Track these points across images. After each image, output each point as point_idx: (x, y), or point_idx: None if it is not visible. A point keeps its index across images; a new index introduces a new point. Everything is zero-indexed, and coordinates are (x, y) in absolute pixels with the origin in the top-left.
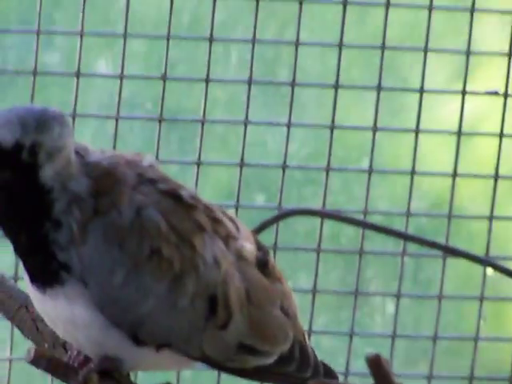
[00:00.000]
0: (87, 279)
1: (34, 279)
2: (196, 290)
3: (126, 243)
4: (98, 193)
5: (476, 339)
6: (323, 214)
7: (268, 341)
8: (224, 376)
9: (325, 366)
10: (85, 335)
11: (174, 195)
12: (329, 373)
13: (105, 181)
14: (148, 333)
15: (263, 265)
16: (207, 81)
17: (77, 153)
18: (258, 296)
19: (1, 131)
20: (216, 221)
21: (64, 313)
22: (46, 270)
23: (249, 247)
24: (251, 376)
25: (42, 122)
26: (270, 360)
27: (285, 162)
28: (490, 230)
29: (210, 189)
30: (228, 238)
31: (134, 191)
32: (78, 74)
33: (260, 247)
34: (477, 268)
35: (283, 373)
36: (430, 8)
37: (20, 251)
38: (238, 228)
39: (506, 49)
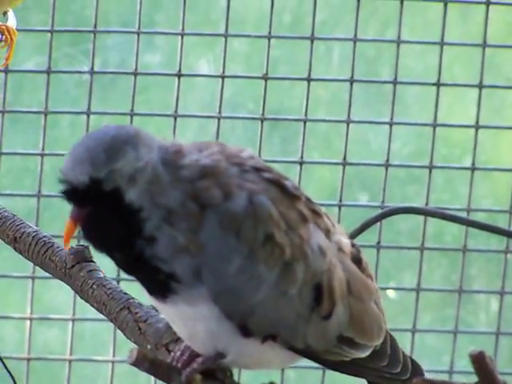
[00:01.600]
0: (202, 269)
1: (150, 291)
2: (304, 278)
3: (242, 230)
4: (199, 192)
5: None
6: (426, 213)
7: (366, 334)
8: (328, 375)
9: (412, 361)
10: (204, 329)
11: (278, 184)
12: (416, 368)
13: (206, 179)
14: (257, 323)
15: (357, 261)
16: (309, 80)
17: (166, 163)
18: (357, 288)
19: (72, 173)
20: (316, 214)
21: (186, 314)
22: (155, 282)
23: (345, 241)
24: (347, 369)
25: (113, 152)
26: (366, 353)
27: (387, 160)
28: None
29: (312, 188)
30: (327, 232)
31: (241, 179)
32: (179, 75)
33: (353, 245)
34: None
35: (376, 368)
36: None
37: (123, 269)
38: (333, 224)
39: None
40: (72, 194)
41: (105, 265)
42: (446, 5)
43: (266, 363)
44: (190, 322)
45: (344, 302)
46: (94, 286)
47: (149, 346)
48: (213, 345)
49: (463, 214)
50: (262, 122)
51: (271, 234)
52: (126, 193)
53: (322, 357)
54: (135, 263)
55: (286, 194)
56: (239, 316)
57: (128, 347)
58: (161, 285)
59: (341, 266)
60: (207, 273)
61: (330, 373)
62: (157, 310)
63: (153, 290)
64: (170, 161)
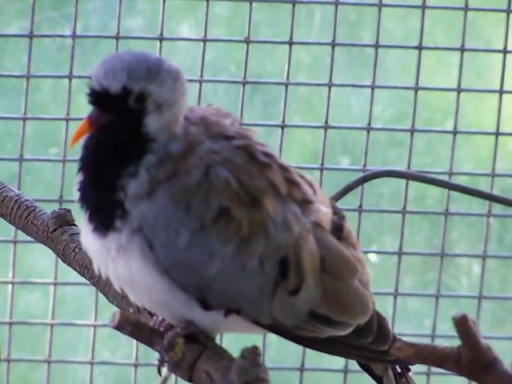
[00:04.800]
0: (151, 240)
1: (92, 219)
2: (265, 253)
3: (193, 204)
4: (182, 158)
5: None
6: (408, 176)
7: (345, 312)
8: None
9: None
10: (148, 298)
11: (248, 152)
12: None
13: (189, 150)
14: (216, 297)
15: (338, 229)
16: (291, 43)
17: (185, 118)
18: (335, 265)
19: (106, 78)
20: (292, 183)
21: (122, 268)
22: (106, 211)
23: (325, 210)
24: (324, 346)
25: (154, 72)
26: (346, 331)
27: (369, 124)
28: None
29: (294, 152)
30: (304, 203)
31: (207, 153)
32: (161, 38)
33: (336, 212)
34: None
35: (359, 345)
36: None
37: (89, 188)
38: (315, 191)
39: None
40: (99, 96)
41: None
42: None
43: (237, 332)
44: (131, 288)
45: (315, 277)
46: (77, 250)
47: (131, 310)
48: (171, 314)
49: (445, 178)
50: (243, 85)
51: (227, 207)
52: (148, 118)
53: (293, 332)
54: (107, 186)
55: (255, 161)
56: (195, 289)
57: (110, 312)
58: (110, 216)
59: (316, 243)
60: (157, 244)
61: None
62: None
63: (97, 218)
64: (189, 117)
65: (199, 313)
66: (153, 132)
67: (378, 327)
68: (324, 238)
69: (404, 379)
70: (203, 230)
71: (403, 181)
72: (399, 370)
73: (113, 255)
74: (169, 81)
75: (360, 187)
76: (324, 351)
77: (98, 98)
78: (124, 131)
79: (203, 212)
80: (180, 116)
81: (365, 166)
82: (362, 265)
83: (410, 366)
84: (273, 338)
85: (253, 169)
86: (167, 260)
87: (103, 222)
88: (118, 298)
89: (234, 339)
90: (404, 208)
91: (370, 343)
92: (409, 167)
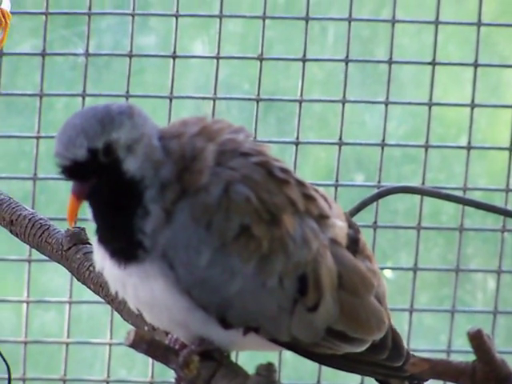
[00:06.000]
0: (172, 260)
1: (113, 256)
2: (285, 270)
3: (214, 221)
4: (181, 174)
5: None
6: (423, 192)
7: (361, 328)
8: None
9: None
10: (167, 318)
11: (266, 168)
12: None
13: (186, 162)
14: (236, 315)
15: (354, 242)
16: (304, 60)
17: (161, 138)
18: (352, 281)
19: (68, 149)
20: (309, 198)
21: (143, 291)
22: (127, 249)
23: (340, 224)
24: (340, 364)
25: (107, 122)
26: (362, 348)
27: (383, 140)
28: None
29: (308, 168)
30: (321, 218)
31: (220, 167)
32: (174, 56)
33: (351, 225)
34: None
35: (373, 362)
36: None
37: (105, 237)
38: (330, 206)
39: None
40: (71, 169)
41: None
42: None
43: (253, 349)
44: (152, 308)
45: (333, 294)
46: (91, 268)
47: (146, 328)
48: (188, 334)
49: (459, 193)
50: (257, 102)
51: (247, 225)
52: (125, 163)
53: (310, 350)
54: (123, 234)
55: (274, 178)
56: (215, 308)
57: (125, 329)
58: (130, 251)
59: (333, 259)
60: (177, 263)
61: None
62: None
63: (118, 255)
64: (165, 134)
65: (218, 331)
66: (137, 172)
67: (392, 343)
68: (341, 253)
69: None
70: (224, 248)
71: (418, 197)
72: None
73: (134, 281)
74: (125, 121)
75: (375, 203)
76: (340, 368)
77: (71, 170)
78: (111, 187)
79: (224, 230)
80: (152, 143)
81: (379, 182)
82: (377, 277)
83: (425, 382)
84: (288, 354)
85: (271, 185)
86: (188, 279)
87: (124, 256)
88: (133, 316)
89: (250, 356)
90: (419, 224)
91: (385, 359)
92: (423, 183)
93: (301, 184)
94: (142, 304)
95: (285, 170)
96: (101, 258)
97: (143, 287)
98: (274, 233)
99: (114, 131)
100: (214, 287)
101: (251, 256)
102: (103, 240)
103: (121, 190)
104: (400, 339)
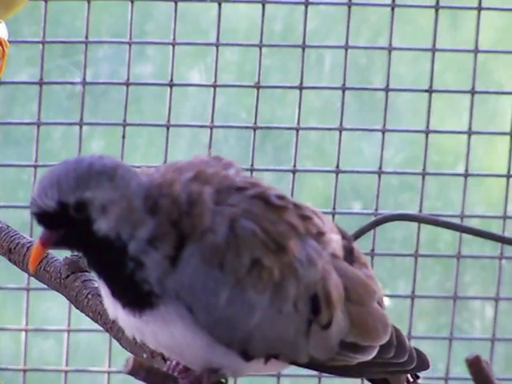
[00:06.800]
0: (190, 303)
1: (125, 306)
2: (298, 294)
3: (226, 261)
4: (178, 222)
5: None
6: (420, 220)
7: (370, 336)
8: (324, 382)
9: (416, 349)
10: (190, 354)
11: (263, 199)
12: (420, 356)
13: (181, 209)
14: (257, 347)
15: (349, 252)
16: (301, 88)
17: (148, 196)
18: (357, 292)
19: (40, 197)
20: (307, 219)
21: (163, 336)
22: (138, 300)
23: (335, 238)
24: (354, 373)
25: (84, 180)
26: (372, 355)
27: (380, 167)
28: None
29: (305, 196)
30: (319, 235)
31: (219, 206)
32: (171, 84)
33: (344, 236)
34: None
35: (383, 362)
36: None
37: (111, 290)
38: (323, 221)
39: None
40: (40, 217)
41: None
42: (437, 11)
43: (271, 372)
44: (173, 347)
45: (342, 307)
46: (89, 296)
47: (144, 355)
48: (209, 366)
49: (457, 221)
50: (254, 131)
51: (257, 258)
52: (97, 223)
53: (327, 365)
54: (126, 286)
55: (272, 207)
56: (238, 343)
57: (124, 357)
58: (142, 300)
59: (336, 272)
60: (196, 307)
61: (325, 379)
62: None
63: (131, 305)
64: (156, 187)
65: (239, 363)
66: (110, 231)
67: (396, 340)
68: (342, 266)
69: None
70: (239, 284)
71: (415, 224)
72: (411, 380)
73: (152, 327)
74: (104, 182)
75: (372, 231)
76: (355, 377)
77: (41, 218)
78: (81, 239)
79: (237, 267)
80: (133, 204)
81: (376, 209)
82: (374, 282)
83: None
84: (285, 381)
85: (271, 214)
86: (209, 320)
87: (137, 305)
88: (132, 344)
89: (247, 382)
90: (416, 251)
91: (392, 357)
92: (420, 210)
93: (297, 207)
94: (163, 347)
95: (281, 197)
96: (113, 308)
97: (163, 332)
98: (283, 260)
99: (89, 190)
100: (235, 323)
101: (266, 286)
102: (111, 293)
103: (93, 243)
104: (401, 334)
